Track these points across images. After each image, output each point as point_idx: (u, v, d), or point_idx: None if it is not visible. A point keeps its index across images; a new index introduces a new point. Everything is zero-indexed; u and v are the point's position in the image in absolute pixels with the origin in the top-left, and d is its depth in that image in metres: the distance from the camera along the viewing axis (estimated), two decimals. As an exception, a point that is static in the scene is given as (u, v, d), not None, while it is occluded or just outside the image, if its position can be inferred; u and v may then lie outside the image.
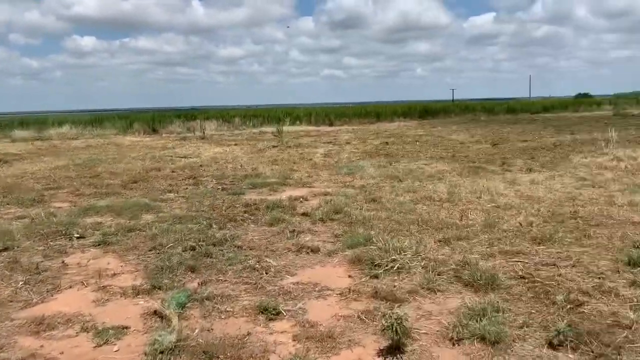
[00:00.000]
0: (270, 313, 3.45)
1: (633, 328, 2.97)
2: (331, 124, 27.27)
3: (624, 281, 3.72)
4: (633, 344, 2.80)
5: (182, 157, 13.22)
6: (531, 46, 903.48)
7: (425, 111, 32.82)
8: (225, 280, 4.13)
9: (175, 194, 7.99)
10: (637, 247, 4.48)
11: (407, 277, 4.04)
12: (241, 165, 11.15)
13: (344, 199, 7.12)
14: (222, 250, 4.90)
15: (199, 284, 4.04)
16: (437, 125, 24.38)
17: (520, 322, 3.14)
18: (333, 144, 16.07)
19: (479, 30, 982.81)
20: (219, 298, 3.74)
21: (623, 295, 3.45)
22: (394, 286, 3.85)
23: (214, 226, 5.78)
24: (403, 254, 4.43)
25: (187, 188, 8.52)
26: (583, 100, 45.63)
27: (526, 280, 3.78)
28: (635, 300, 3.37)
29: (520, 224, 5.38)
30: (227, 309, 3.57)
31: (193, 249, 4.89)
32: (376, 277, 4.07)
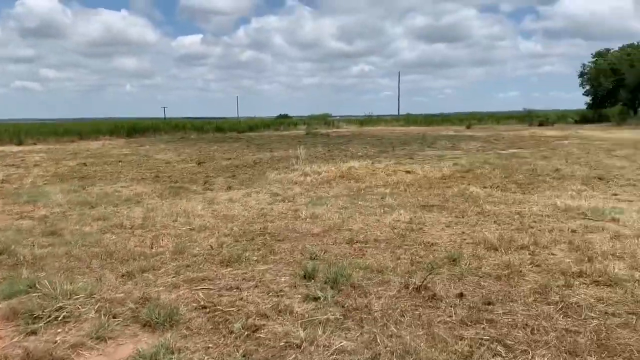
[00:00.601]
0: None
1: (302, 347, 3.02)
2: (20, 144, 23.61)
3: (299, 296, 3.86)
4: (301, 364, 2.83)
5: None
6: (238, 69, 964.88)
7: (133, 129, 31.49)
8: None
9: None
10: (313, 258, 4.80)
11: (75, 326, 3.42)
12: None
13: (15, 234, 5.95)
14: None
15: None
16: (145, 144, 23.49)
17: (196, 361, 2.90)
18: (17, 167, 13.81)
19: (188, 50, 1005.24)
20: None
21: (296, 312, 3.54)
22: (55, 342, 3.19)
23: None
24: (74, 298, 3.78)
25: None
26: (283, 120, 50.69)
27: (207, 310, 3.59)
28: (307, 315, 3.49)
29: (211, 246, 5.26)
30: None
31: None
32: (34, 333, 3.33)
